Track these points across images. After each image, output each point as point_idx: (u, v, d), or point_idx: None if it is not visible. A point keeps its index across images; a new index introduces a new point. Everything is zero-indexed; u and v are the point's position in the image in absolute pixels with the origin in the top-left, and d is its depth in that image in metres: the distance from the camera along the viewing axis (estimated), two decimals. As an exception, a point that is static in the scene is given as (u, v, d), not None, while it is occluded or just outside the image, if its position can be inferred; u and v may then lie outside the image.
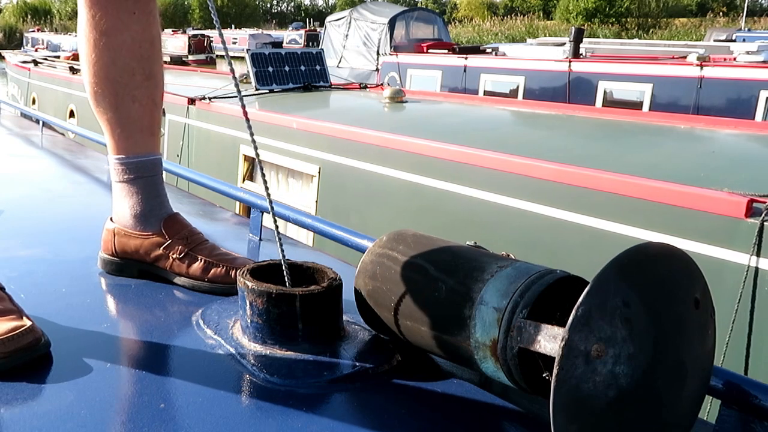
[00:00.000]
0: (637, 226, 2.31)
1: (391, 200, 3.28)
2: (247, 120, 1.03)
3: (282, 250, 1.01)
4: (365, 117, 4.18)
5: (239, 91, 1.04)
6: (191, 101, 4.72)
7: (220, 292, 1.16)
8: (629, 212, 2.35)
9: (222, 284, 1.17)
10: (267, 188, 1.07)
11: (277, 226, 1.07)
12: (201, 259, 1.18)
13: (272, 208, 1.09)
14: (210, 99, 4.64)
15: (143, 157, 1.21)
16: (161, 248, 1.20)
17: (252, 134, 1.03)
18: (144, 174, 1.22)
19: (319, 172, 3.62)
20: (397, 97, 4.57)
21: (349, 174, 3.49)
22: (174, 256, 1.19)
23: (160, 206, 1.23)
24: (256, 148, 1.04)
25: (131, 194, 1.21)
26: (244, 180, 4.21)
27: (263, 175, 1.05)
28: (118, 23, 1.13)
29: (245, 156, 4.18)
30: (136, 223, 1.21)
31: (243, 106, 1.03)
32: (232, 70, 1.03)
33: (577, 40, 8.14)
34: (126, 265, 1.24)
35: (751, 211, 2.07)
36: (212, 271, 1.17)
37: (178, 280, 1.20)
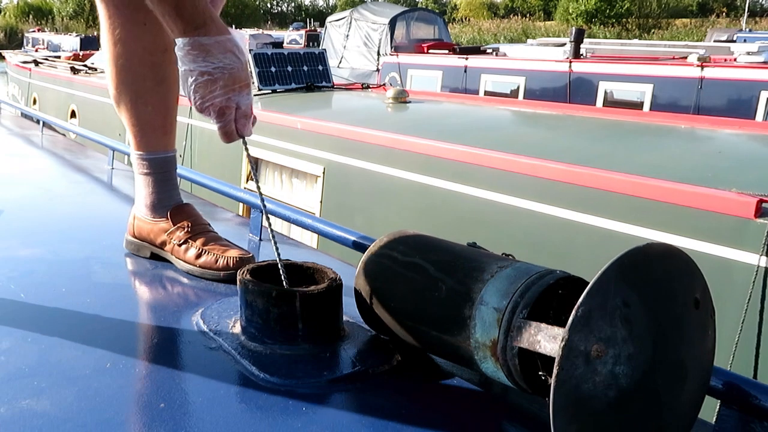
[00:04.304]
0: (646, 227, 2.31)
1: (396, 200, 3.28)
2: (252, 168, 1.05)
3: (277, 250, 1.01)
4: (369, 117, 4.17)
5: (249, 156, 1.07)
6: None
7: (210, 278, 1.24)
8: (638, 212, 2.34)
9: (210, 271, 1.24)
10: (259, 187, 1.10)
11: (270, 224, 1.07)
12: (195, 247, 1.27)
13: (264, 206, 1.11)
14: None
15: (156, 155, 1.33)
16: (165, 234, 1.31)
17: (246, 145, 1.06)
18: (156, 169, 1.33)
19: (323, 173, 3.61)
20: (401, 98, 4.57)
21: (353, 174, 3.48)
22: (175, 241, 1.30)
23: (170, 197, 1.34)
24: (257, 183, 1.05)
25: (146, 185, 1.34)
26: (247, 180, 4.21)
27: (256, 176, 1.07)
28: (130, 34, 1.23)
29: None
30: (147, 211, 1.34)
31: (246, 149, 1.06)
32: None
33: (578, 40, 8.13)
34: (141, 246, 1.37)
35: (760, 212, 2.06)
36: (203, 258, 1.26)
37: (176, 263, 1.30)
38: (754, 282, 2.02)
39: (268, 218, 1.08)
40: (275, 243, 1.03)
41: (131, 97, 1.28)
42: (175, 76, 1.29)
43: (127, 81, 1.26)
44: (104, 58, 1.28)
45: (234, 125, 0.99)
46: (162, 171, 1.33)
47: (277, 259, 1.01)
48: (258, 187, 1.10)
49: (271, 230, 1.06)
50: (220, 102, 0.96)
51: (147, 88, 1.27)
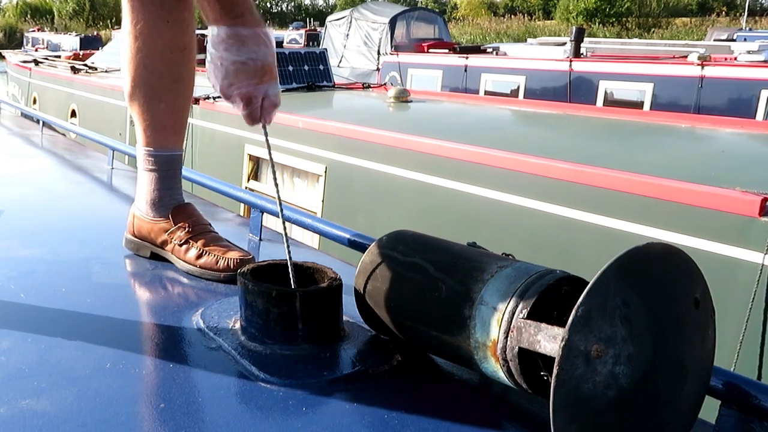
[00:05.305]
0: (650, 225, 2.31)
1: (398, 200, 3.28)
2: (269, 152, 1.06)
3: (289, 252, 1.02)
4: (371, 117, 4.17)
5: (268, 144, 1.07)
6: (195, 101, 4.70)
7: (210, 279, 1.24)
8: (642, 211, 2.34)
9: (211, 272, 1.24)
10: (278, 192, 1.08)
11: (285, 229, 1.07)
12: (196, 247, 1.27)
13: (281, 210, 1.10)
14: (215, 98, 4.62)
15: (163, 152, 1.33)
16: (166, 234, 1.31)
17: (269, 148, 1.06)
18: (162, 167, 1.33)
19: (325, 172, 3.61)
20: (402, 97, 4.57)
21: (355, 173, 3.48)
22: (175, 241, 1.30)
23: (171, 197, 1.34)
24: (272, 162, 1.06)
25: (149, 183, 1.33)
26: (249, 179, 4.21)
27: (275, 181, 1.06)
28: (153, 30, 1.24)
29: (250, 156, 4.18)
30: (148, 210, 1.33)
31: (268, 147, 1.06)
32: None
33: (578, 39, 8.13)
34: (141, 246, 1.37)
35: (764, 210, 2.05)
36: (204, 258, 1.25)
37: (177, 263, 1.30)
38: (758, 281, 2.02)
39: (284, 224, 1.08)
40: (288, 245, 1.03)
41: (146, 92, 1.28)
42: (191, 75, 1.33)
43: (144, 76, 1.27)
44: (123, 52, 1.28)
45: (260, 112, 1.02)
46: (167, 169, 1.33)
47: (288, 260, 1.01)
48: (278, 193, 1.09)
49: (285, 233, 1.07)
50: (248, 91, 0.99)
51: (163, 85, 1.28)
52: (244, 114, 1.01)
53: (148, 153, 1.32)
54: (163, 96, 1.29)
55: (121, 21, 1.28)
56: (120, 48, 1.31)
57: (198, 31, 1.36)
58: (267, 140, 1.06)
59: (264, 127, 1.05)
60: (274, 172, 1.07)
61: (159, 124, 1.31)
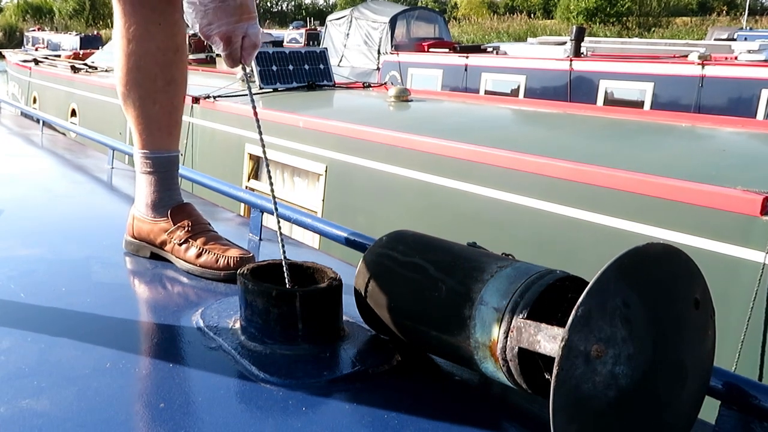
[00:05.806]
0: (652, 225, 2.31)
1: (399, 199, 3.28)
2: (257, 120, 1.06)
3: (283, 251, 1.02)
4: (372, 116, 4.17)
5: (251, 92, 1.08)
6: (195, 100, 4.70)
7: (210, 277, 1.24)
8: (643, 210, 2.34)
9: (211, 270, 1.24)
10: (272, 188, 1.10)
11: (280, 227, 1.07)
12: (196, 246, 1.27)
13: (276, 208, 1.11)
14: (215, 98, 4.62)
15: (159, 154, 1.33)
16: (166, 234, 1.31)
17: (261, 134, 1.07)
18: (159, 168, 1.33)
19: (325, 171, 3.61)
20: (403, 96, 4.57)
21: (356, 173, 3.48)
22: (175, 241, 1.30)
23: (170, 197, 1.35)
24: (263, 147, 1.06)
25: (147, 184, 1.34)
26: (249, 179, 4.20)
27: (269, 176, 1.07)
28: (144, 32, 1.25)
29: (250, 155, 4.18)
30: (148, 211, 1.34)
31: (254, 108, 1.06)
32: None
33: (579, 39, 8.13)
34: (141, 247, 1.37)
35: (765, 209, 2.06)
36: (203, 257, 1.26)
37: (176, 263, 1.30)
38: (759, 280, 2.02)
39: (278, 220, 1.09)
40: (282, 243, 1.03)
41: (140, 94, 1.28)
42: (184, 76, 1.33)
43: (137, 79, 1.27)
44: (115, 55, 1.28)
45: (240, 53, 1.04)
46: (164, 170, 1.34)
47: (282, 259, 1.01)
48: (272, 190, 1.10)
49: (280, 231, 1.07)
50: (228, 30, 1.00)
51: (156, 87, 1.28)
52: (224, 55, 1.03)
53: (144, 156, 1.32)
54: (157, 98, 1.29)
55: (113, 25, 1.29)
56: (114, 53, 1.31)
57: None
58: (248, 83, 1.07)
59: (246, 76, 1.08)
60: (267, 162, 1.07)
61: (154, 125, 1.31)
